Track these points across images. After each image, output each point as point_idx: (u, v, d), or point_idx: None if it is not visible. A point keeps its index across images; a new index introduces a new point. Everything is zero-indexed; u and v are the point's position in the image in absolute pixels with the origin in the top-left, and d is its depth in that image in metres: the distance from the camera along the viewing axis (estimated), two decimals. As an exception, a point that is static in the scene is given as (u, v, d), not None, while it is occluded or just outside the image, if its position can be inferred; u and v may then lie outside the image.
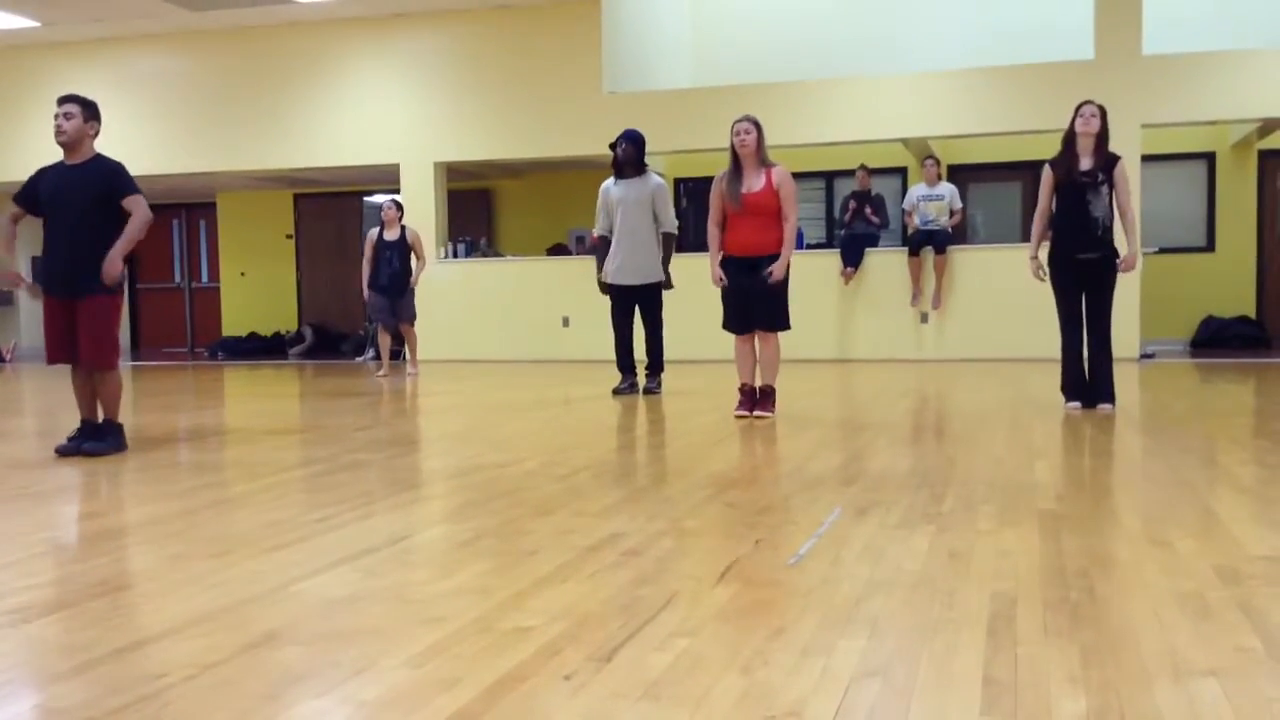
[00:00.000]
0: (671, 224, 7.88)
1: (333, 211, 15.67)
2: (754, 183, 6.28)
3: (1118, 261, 6.34)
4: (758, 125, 6.34)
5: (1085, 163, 6.27)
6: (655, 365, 8.08)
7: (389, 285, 10.09)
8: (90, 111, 5.37)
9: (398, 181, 12.67)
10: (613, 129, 11.83)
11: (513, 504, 3.84)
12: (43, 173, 5.44)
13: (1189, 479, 4.14)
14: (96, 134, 5.41)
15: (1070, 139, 6.33)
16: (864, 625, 2.38)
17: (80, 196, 5.27)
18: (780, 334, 6.44)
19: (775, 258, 6.28)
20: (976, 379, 8.64)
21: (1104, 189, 6.27)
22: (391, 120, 12.52)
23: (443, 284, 12.20)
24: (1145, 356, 10.62)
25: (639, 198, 7.82)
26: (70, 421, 7.03)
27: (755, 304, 6.32)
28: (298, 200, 15.81)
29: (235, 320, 15.92)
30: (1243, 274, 12.69)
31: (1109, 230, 6.32)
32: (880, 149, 12.49)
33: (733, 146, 6.33)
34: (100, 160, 5.37)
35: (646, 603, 2.57)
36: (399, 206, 10.25)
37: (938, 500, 3.75)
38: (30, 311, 15.83)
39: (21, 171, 13.18)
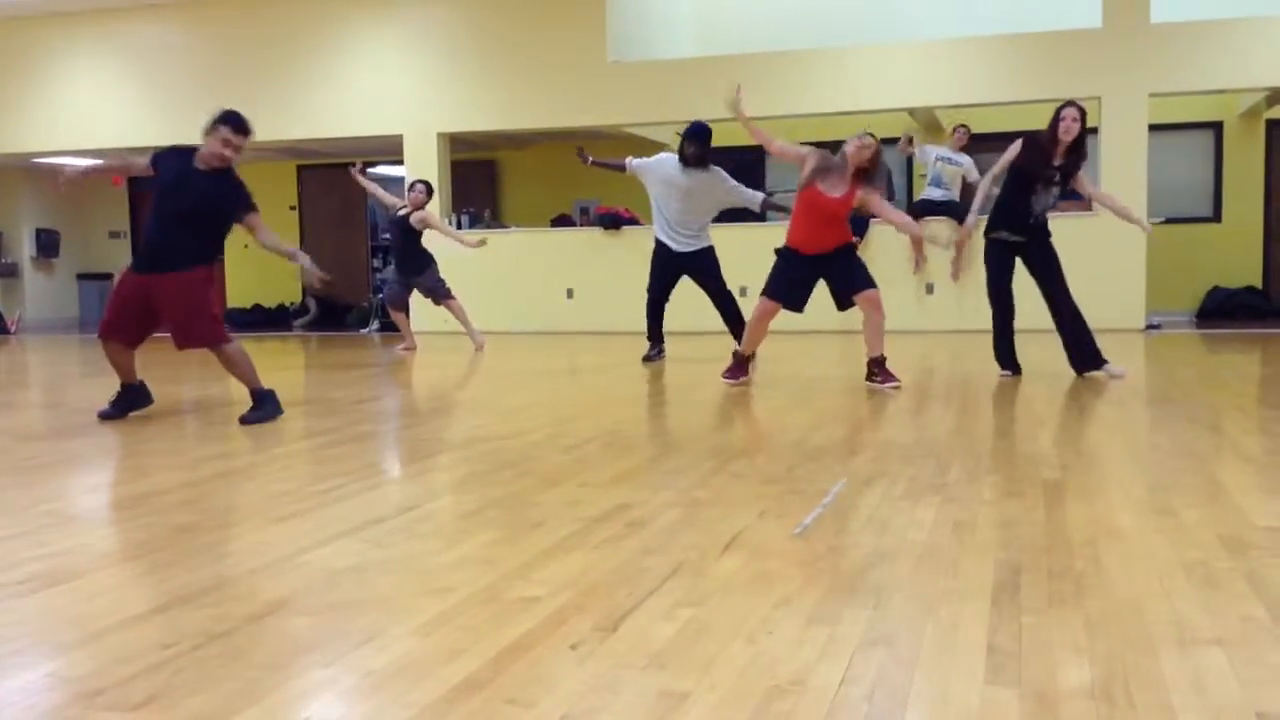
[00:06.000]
0: (756, 199, 7.83)
1: (336, 183, 15.60)
2: (840, 189, 6.01)
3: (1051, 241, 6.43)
4: (879, 146, 6.08)
5: (1057, 160, 6.27)
6: (737, 331, 7.52)
7: (400, 264, 9.78)
8: (249, 139, 5.31)
9: (401, 153, 12.61)
10: (617, 99, 11.86)
11: (519, 475, 3.85)
12: (172, 154, 5.38)
13: (1194, 449, 4.14)
14: None
15: (1053, 141, 6.22)
16: (869, 595, 2.39)
17: (196, 198, 5.22)
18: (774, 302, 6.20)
19: (836, 250, 6.11)
20: (981, 350, 8.62)
21: (1055, 189, 6.30)
22: (395, 91, 12.45)
23: (447, 255, 12.15)
24: (1151, 327, 10.60)
25: (703, 190, 7.75)
26: (75, 395, 7.05)
27: (840, 280, 6.15)
28: (301, 172, 15.76)
29: (240, 292, 15.91)
30: (1249, 244, 12.63)
31: (1044, 223, 6.40)
32: (886, 118, 12.40)
33: (846, 155, 6.00)
34: (229, 175, 5.31)
35: (652, 573, 2.57)
36: (430, 190, 9.69)
37: (943, 471, 3.76)
38: (35, 283, 15.84)
39: (23, 142, 13.23)
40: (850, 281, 6.14)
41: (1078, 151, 6.23)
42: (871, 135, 6.14)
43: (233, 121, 5.25)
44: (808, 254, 6.12)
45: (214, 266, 5.46)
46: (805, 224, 6.10)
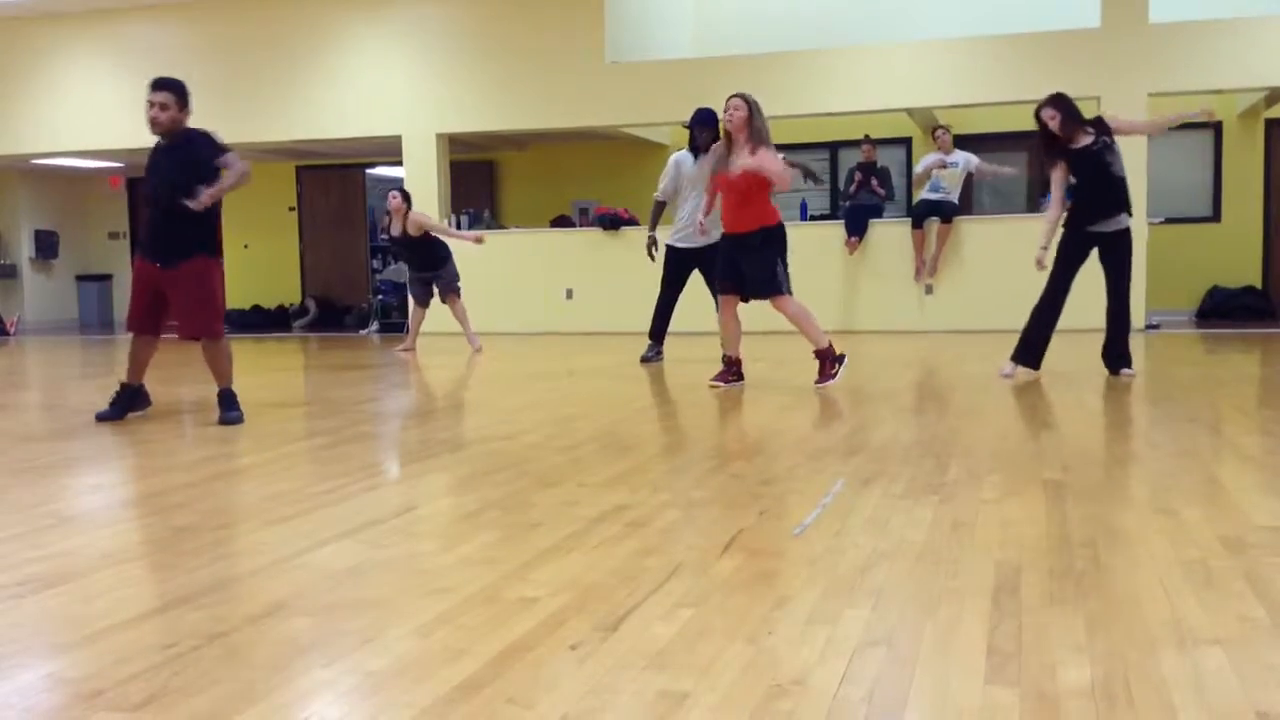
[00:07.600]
0: None
1: (335, 184, 15.62)
2: (736, 162, 6.14)
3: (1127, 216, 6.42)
4: (748, 103, 6.12)
5: (1084, 140, 6.31)
6: None
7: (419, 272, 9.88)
8: (183, 100, 5.40)
9: (400, 154, 12.61)
10: (615, 99, 11.86)
11: (518, 475, 3.85)
12: (151, 152, 5.57)
13: (1194, 449, 4.14)
14: (189, 115, 5.45)
15: (1053, 139, 6.34)
16: (868, 595, 2.39)
17: (170, 168, 5.37)
18: (787, 298, 6.23)
19: (753, 234, 6.18)
20: (981, 350, 8.63)
21: (1116, 147, 6.35)
22: (394, 92, 12.45)
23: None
24: (1151, 327, 10.60)
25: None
26: (74, 397, 7.05)
27: (745, 278, 6.29)
28: (300, 172, 15.75)
29: (239, 293, 15.87)
30: (1249, 245, 12.63)
31: (1128, 192, 6.42)
32: (884, 119, 12.41)
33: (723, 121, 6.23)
34: (189, 133, 5.46)
35: (651, 573, 2.57)
36: (405, 196, 9.66)
37: (942, 470, 3.75)
38: (33, 285, 15.83)
39: (21, 143, 13.23)
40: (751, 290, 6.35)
41: (1084, 125, 6.32)
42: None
43: (150, 86, 5.36)
44: (728, 232, 6.36)
45: (218, 258, 5.55)
46: (723, 205, 6.37)
